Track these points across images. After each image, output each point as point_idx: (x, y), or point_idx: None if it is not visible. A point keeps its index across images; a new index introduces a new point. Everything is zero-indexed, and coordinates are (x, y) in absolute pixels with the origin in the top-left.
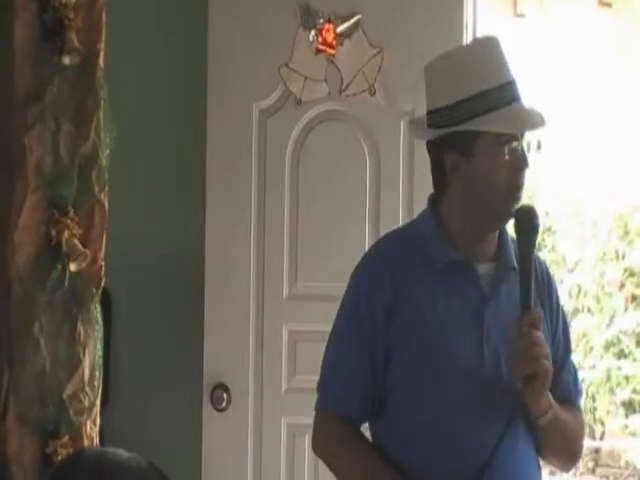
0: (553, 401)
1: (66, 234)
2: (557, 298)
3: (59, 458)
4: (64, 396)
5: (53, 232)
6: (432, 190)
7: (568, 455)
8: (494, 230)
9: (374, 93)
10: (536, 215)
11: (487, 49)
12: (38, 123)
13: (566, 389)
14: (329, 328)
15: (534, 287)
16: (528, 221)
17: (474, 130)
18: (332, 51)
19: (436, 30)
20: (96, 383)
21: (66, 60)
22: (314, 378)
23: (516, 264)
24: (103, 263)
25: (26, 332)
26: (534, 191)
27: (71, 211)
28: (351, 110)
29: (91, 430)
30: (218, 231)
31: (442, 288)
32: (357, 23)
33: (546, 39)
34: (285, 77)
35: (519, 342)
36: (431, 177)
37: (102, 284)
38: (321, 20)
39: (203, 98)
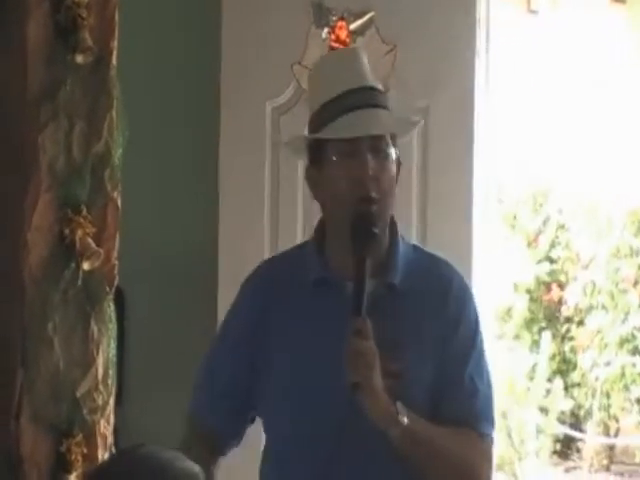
0: (411, 417)
1: (79, 233)
2: (458, 315)
3: (73, 457)
4: (78, 395)
5: (66, 231)
6: (446, 187)
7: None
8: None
9: (388, 90)
10: (367, 219)
11: (343, 58)
12: (51, 122)
13: (456, 409)
14: None
15: (367, 294)
16: (359, 225)
17: (320, 141)
18: None
19: (449, 26)
20: (110, 382)
21: (79, 59)
22: None
23: (396, 280)
24: (116, 262)
25: (40, 331)
26: (548, 188)
27: (84, 210)
28: None
29: (105, 429)
30: (231, 230)
31: (311, 306)
32: (370, 20)
33: (560, 35)
34: (298, 75)
35: (345, 351)
36: (444, 175)
37: (115, 283)
38: (334, 17)
39: (216, 96)
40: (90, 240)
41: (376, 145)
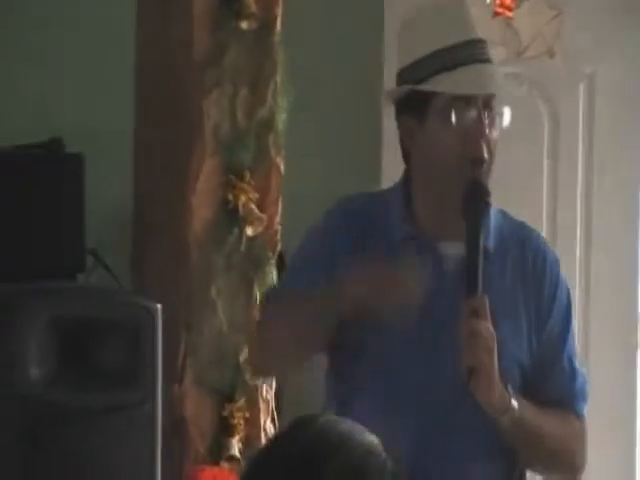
0: (520, 402)
1: (243, 198)
2: (554, 291)
3: (235, 421)
4: (240, 359)
5: (230, 196)
6: (613, 151)
7: (554, 465)
8: (456, 205)
9: (553, 56)
10: (484, 191)
11: (450, 6)
12: (215, 88)
13: (556, 390)
14: None
15: (483, 270)
16: (474, 197)
17: (426, 91)
18: (510, 14)
19: None
20: None
21: (244, 25)
22: None
23: (491, 243)
24: (280, 227)
25: (203, 295)
26: None
27: (248, 175)
28: (530, 73)
29: (267, 394)
30: None
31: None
32: None
33: None
34: None
35: (461, 332)
36: (609, 140)
37: (278, 248)
38: None
39: (379, 63)
40: (253, 205)
41: (489, 103)
